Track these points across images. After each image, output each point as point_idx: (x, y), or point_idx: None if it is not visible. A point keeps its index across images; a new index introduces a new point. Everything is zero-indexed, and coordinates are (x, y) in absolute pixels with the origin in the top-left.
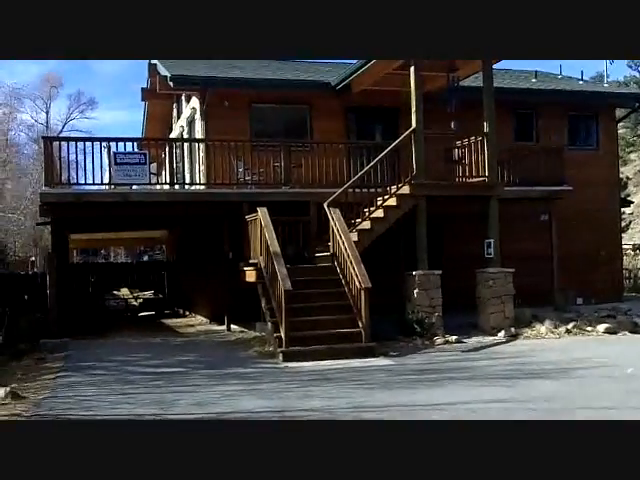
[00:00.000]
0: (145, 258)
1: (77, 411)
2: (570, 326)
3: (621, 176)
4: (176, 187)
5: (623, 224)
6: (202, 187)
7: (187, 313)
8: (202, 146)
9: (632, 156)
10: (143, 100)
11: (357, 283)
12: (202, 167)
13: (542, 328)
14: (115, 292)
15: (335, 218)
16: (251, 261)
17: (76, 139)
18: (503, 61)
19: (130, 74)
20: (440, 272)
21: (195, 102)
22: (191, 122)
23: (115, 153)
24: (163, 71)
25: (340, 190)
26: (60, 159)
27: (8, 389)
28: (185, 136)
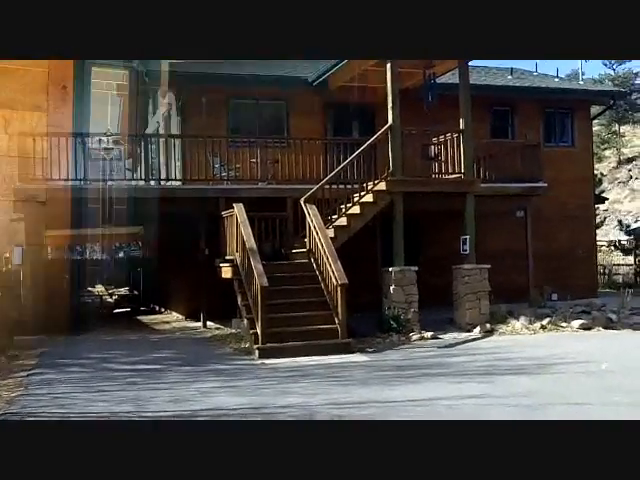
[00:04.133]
0: (121, 254)
1: (51, 409)
2: (545, 322)
3: (596, 173)
4: (152, 183)
5: (598, 220)
6: (178, 183)
7: (163, 310)
8: (178, 142)
9: (606, 153)
10: (118, 95)
11: (333, 279)
12: (178, 163)
13: (517, 324)
14: (90, 289)
15: (311, 214)
16: (227, 257)
17: (51, 134)
18: None
19: None
20: (416, 268)
21: (171, 97)
22: (167, 118)
23: (90, 149)
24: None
25: (317, 186)
26: (34, 154)
27: None
28: (161, 132)
